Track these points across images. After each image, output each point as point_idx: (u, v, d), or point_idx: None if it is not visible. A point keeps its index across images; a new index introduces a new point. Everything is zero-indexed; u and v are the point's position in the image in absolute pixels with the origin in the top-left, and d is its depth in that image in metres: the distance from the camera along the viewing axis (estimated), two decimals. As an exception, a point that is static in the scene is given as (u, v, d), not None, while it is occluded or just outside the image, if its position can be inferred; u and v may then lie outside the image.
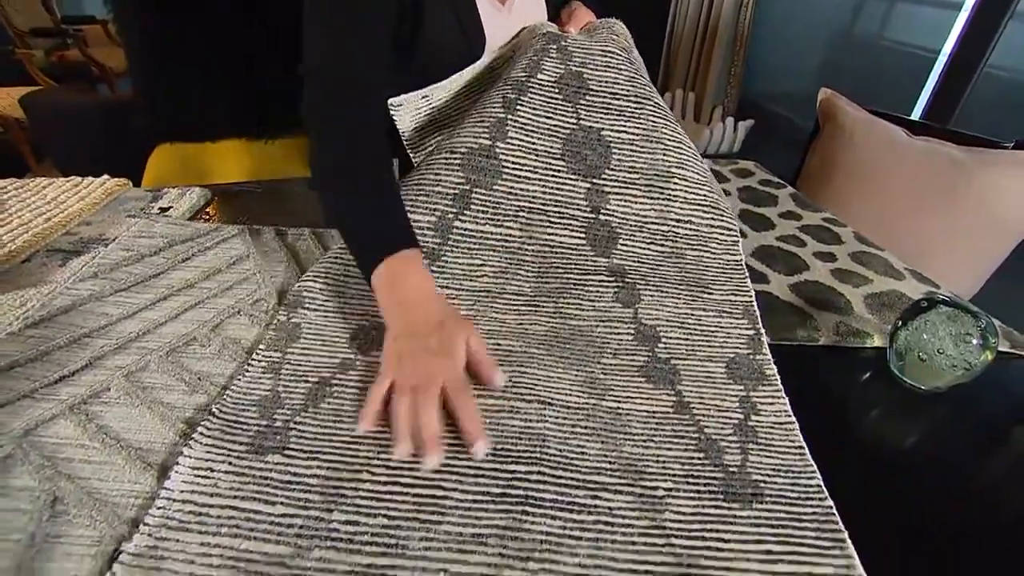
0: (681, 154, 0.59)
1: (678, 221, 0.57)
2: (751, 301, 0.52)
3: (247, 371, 0.42)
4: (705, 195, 0.58)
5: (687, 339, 0.47)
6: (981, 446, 0.43)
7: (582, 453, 0.37)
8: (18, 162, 2.02)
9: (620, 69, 0.59)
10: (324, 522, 0.31)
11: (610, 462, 0.36)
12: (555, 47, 0.59)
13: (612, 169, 0.57)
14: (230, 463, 0.34)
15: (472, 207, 0.55)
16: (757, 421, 0.40)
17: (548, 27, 0.63)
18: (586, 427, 0.38)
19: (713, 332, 0.48)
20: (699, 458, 0.37)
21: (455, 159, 0.55)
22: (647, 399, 0.41)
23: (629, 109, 0.58)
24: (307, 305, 0.49)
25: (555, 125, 0.57)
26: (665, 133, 0.59)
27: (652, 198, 0.57)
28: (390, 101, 0.62)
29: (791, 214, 0.74)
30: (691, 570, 0.30)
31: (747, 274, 0.55)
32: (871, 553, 0.31)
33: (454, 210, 0.55)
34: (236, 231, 0.62)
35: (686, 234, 0.57)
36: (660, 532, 0.32)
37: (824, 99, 1.11)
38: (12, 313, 0.48)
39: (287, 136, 0.97)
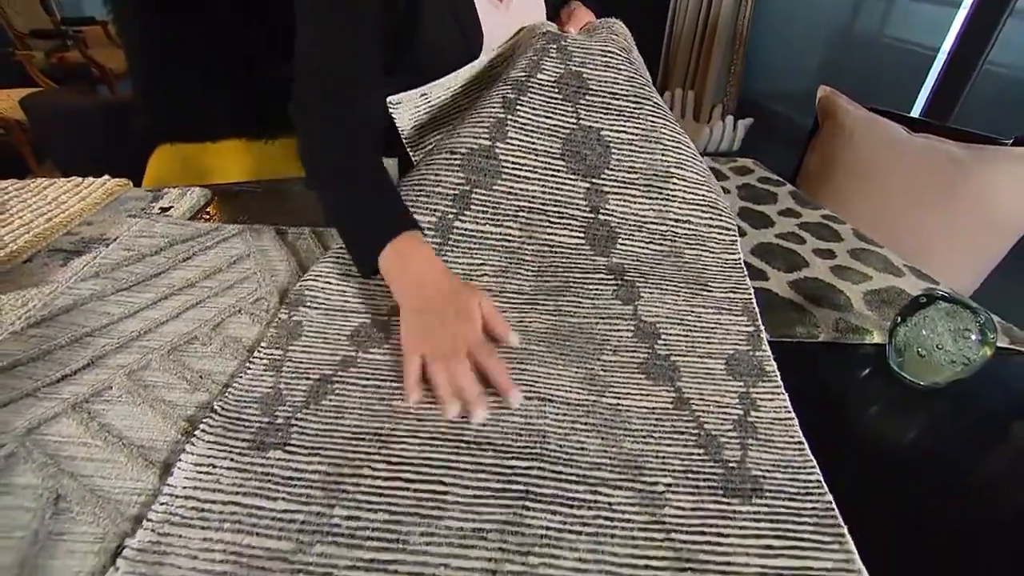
0: (680, 154, 0.59)
1: (677, 220, 0.57)
2: (750, 298, 0.52)
3: (249, 368, 0.42)
4: (704, 195, 0.58)
5: (687, 336, 0.47)
6: (980, 442, 0.43)
7: (582, 449, 0.37)
8: (19, 163, 2.03)
9: (620, 69, 0.59)
10: (326, 518, 0.32)
11: (610, 458, 0.36)
12: (555, 47, 0.59)
13: (611, 169, 0.57)
14: (232, 459, 0.35)
15: (472, 207, 0.55)
16: (757, 417, 0.40)
17: (548, 27, 0.63)
18: (586, 423, 0.39)
19: (713, 329, 0.48)
20: (699, 454, 0.37)
21: (455, 159, 0.55)
22: (647, 395, 0.41)
23: (628, 109, 0.58)
24: (308, 303, 0.49)
25: (555, 125, 0.57)
26: (664, 133, 0.59)
27: (651, 198, 0.57)
28: (389, 99, 0.62)
29: (790, 211, 0.74)
30: (690, 565, 0.30)
31: (746, 272, 0.55)
32: (870, 548, 0.31)
33: (454, 210, 0.55)
34: (236, 230, 0.62)
35: (685, 233, 0.57)
36: (660, 527, 0.32)
37: (823, 97, 1.11)
38: (14, 313, 0.48)
39: (287, 136, 0.97)
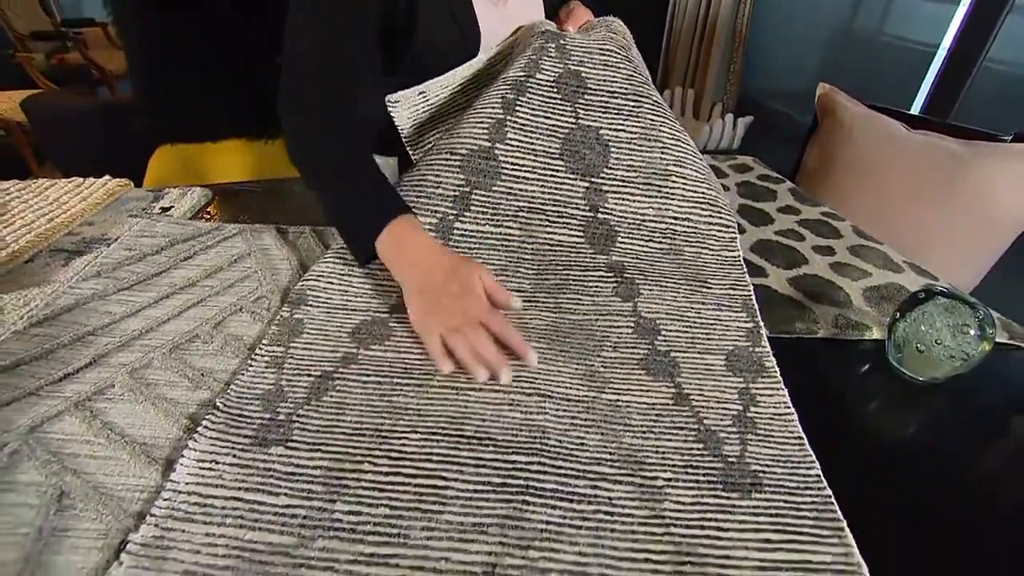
0: (679, 152, 0.59)
1: (676, 218, 0.58)
2: (750, 295, 0.52)
3: (251, 366, 0.42)
4: (703, 192, 0.58)
5: (686, 332, 0.47)
6: (978, 437, 0.43)
7: (582, 444, 0.37)
8: (20, 165, 2.03)
9: (619, 68, 0.59)
10: (327, 512, 0.32)
11: (610, 453, 0.36)
12: (553, 46, 0.59)
13: (610, 168, 0.57)
14: (234, 455, 0.35)
15: (472, 208, 0.55)
16: (756, 412, 0.40)
17: (547, 25, 0.63)
18: (586, 419, 0.39)
19: (712, 325, 0.48)
20: (698, 449, 0.37)
21: (455, 160, 0.56)
22: (647, 391, 0.42)
23: (627, 108, 0.58)
24: (310, 302, 0.49)
25: (554, 125, 0.57)
26: (663, 131, 0.59)
27: (650, 196, 0.57)
28: (387, 98, 0.63)
29: (790, 208, 0.74)
30: (690, 558, 0.31)
31: (745, 269, 0.56)
32: (869, 543, 0.32)
33: (454, 211, 0.55)
34: (237, 230, 0.63)
35: (684, 231, 0.57)
36: (659, 521, 0.32)
37: (822, 94, 1.11)
38: (16, 312, 0.48)
39: (286, 136, 0.97)
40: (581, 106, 0.58)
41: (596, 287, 0.52)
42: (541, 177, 0.57)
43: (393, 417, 0.38)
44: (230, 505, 0.32)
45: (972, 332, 0.42)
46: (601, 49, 0.59)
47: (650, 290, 0.52)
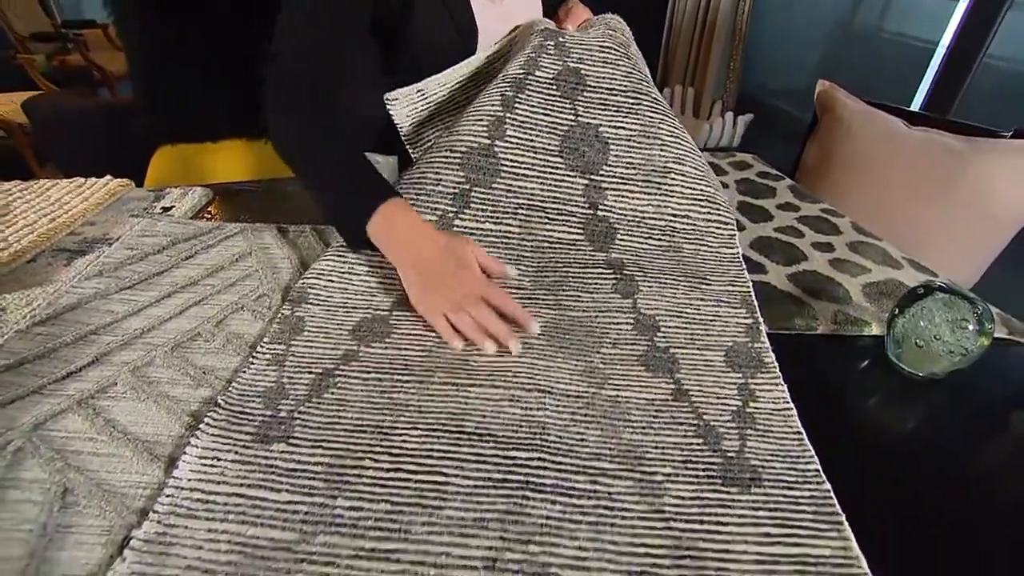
0: (678, 149, 0.59)
1: (675, 216, 0.58)
2: (749, 291, 0.52)
3: (252, 363, 0.42)
4: (702, 190, 0.59)
5: (686, 328, 0.48)
6: (977, 432, 0.43)
7: (582, 440, 0.37)
8: (22, 166, 2.03)
9: (618, 65, 0.59)
10: (328, 508, 0.32)
11: (609, 448, 0.37)
12: (552, 43, 0.59)
13: (610, 165, 0.57)
14: (236, 452, 0.35)
15: (472, 206, 0.55)
16: (755, 408, 0.40)
17: (545, 23, 0.63)
18: (586, 415, 0.39)
19: (712, 321, 0.48)
20: (698, 444, 0.37)
21: (455, 158, 0.56)
22: (646, 387, 0.42)
23: (627, 105, 0.59)
24: (311, 300, 0.49)
25: (553, 122, 0.57)
26: (663, 129, 0.59)
27: (649, 193, 0.58)
28: (386, 96, 0.63)
29: (789, 205, 0.75)
30: (689, 552, 0.31)
31: (744, 266, 0.56)
32: (868, 538, 0.32)
33: (454, 209, 0.55)
34: (238, 229, 0.63)
35: (683, 228, 0.58)
36: (659, 516, 0.33)
37: (822, 91, 1.11)
38: (19, 312, 0.49)
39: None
40: (580, 103, 0.58)
41: (595, 284, 0.52)
42: (540, 174, 0.57)
43: (394, 414, 0.38)
44: (232, 501, 0.32)
45: (971, 327, 0.42)
46: (600, 46, 0.60)
47: (649, 287, 0.52)
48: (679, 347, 0.46)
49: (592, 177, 0.57)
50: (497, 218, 0.56)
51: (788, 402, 0.41)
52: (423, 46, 0.62)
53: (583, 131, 0.57)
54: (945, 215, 0.92)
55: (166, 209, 0.68)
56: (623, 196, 0.57)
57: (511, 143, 0.56)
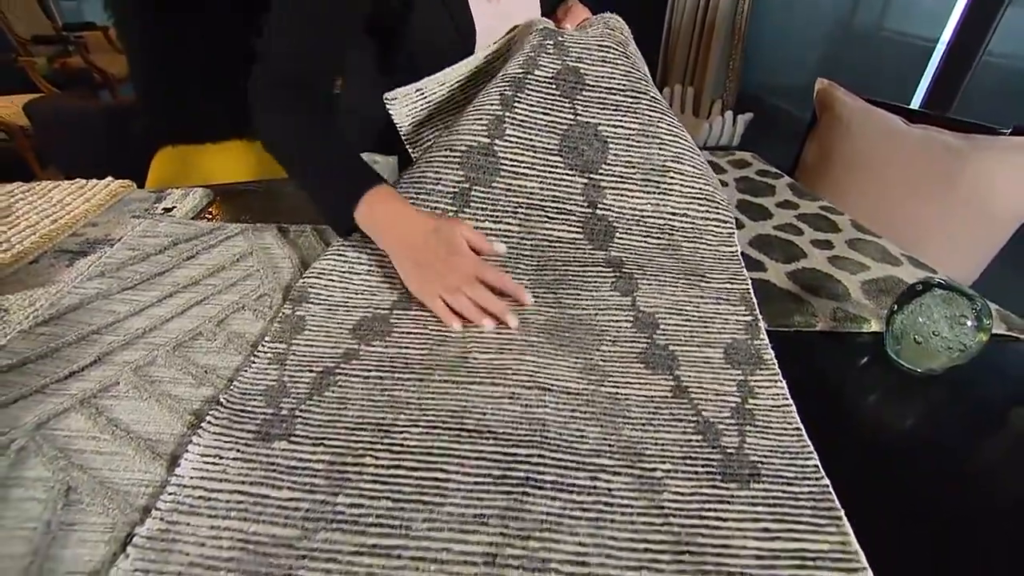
0: (677, 148, 0.59)
1: (674, 214, 0.58)
2: (748, 288, 0.52)
3: (253, 362, 0.43)
4: (701, 188, 0.59)
5: (685, 325, 0.48)
6: (976, 428, 0.43)
7: (582, 436, 0.37)
8: (23, 168, 2.04)
9: (617, 64, 0.59)
10: (330, 505, 0.32)
11: (609, 445, 0.37)
12: (552, 43, 0.59)
13: (609, 164, 0.58)
14: (238, 450, 0.35)
15: (472, 205, 0.56)
16: (755, 404, 0.41)
17: (544, 23, 0.63)
18: (585, 412, 0.39)
19: (711, 318, 0.49)
20: (697, 440, 0.37)
21: (454, 157, 0.56)
22: (646, 384, 0.42)
23: (626, 104, 0.59)
24: (312, 299, 0.50)
25: (552, 121, 0.58)
26: (662, 128, 0.59)
27: (648, 192, 0.58)
28: (385, 96, 0.63)
29: (788, 203, 0.75)
30: (689, 548, 0.31)
31: (743, 264, 0.56)
32: (867, 534, 0.32)
33: (454, 208, 0.55)
34: (239, 229, 0.63)
35: (682, 227, 0.58)
36: (659, 512, 0.33)
37: (821, 89, 1.11)
38: (22, 312, 0.49)
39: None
40: (580, 102, 0.58)
41: (595, 282, 0.52)
42: (540, 173, 0.57)
43: (394, 411, 0.39)
44: (234, 499, 0.32)
45: (969, 323, 0.42)
46: (599, 45, 0.60)
47: (648, 284, 0.52)
48: (678, 344, 0.46)
49: (591, 176, 0.57)
50: (497, 217, 0.56)
51: (787, 399, 0.41)
52: (422, 45, 0.62)
53: (582, 130, 0.58)
54: (944, 212, 0.92)
55: (167, 210, 0.68)
56: (622, 195, 0.57)
57: (510, 142, 0.56)
